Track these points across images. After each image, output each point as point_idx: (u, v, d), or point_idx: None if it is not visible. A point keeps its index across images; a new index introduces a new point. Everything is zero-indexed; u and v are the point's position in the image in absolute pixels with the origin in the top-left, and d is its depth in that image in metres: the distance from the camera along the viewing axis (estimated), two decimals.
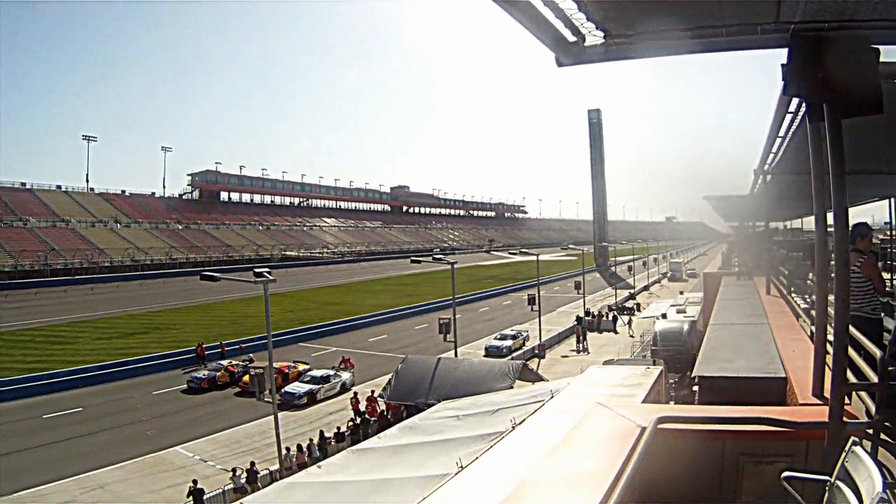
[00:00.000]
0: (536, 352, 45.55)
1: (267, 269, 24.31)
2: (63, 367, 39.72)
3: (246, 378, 36.65)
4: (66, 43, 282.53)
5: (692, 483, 4.99)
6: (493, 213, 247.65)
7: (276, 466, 23.23)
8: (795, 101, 11.21)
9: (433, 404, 18.69)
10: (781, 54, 5.12)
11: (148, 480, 24.28)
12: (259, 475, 23.21)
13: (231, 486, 22.44)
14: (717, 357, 10.67)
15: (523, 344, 48.49)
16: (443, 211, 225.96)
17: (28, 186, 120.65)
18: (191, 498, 21.40)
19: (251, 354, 42.40)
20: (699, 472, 5.02)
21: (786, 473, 4.11)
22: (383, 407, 30.73)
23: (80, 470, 24.72)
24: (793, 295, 15.53)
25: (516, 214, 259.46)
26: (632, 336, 53.30)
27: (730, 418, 5.10)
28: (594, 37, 6.01)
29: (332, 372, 37.86)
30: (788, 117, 11.10)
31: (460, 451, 9.30)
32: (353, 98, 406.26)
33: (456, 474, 8.24)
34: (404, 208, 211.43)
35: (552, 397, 11.69)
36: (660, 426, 4.68)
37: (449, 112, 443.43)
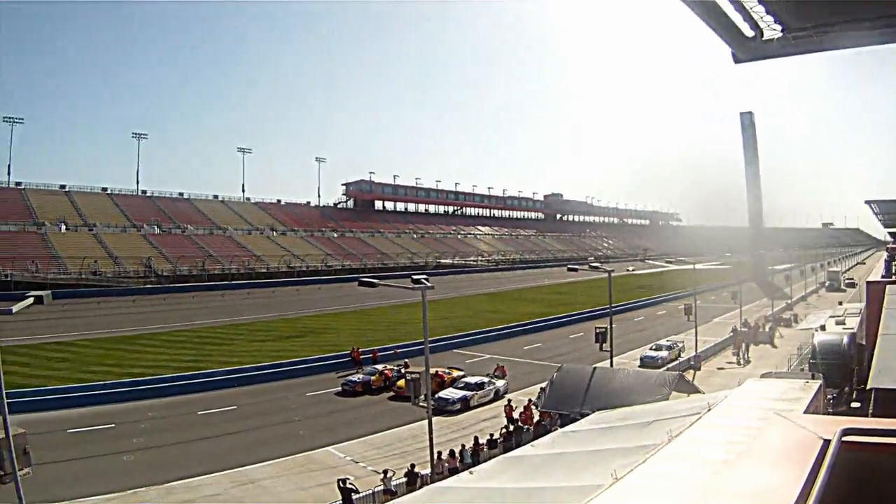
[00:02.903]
0: (692, 363, 44.92)
1: (425, 276, 24.43)
2: (219, 366, 41.98)
3: (401, 383, 37.11)
4: (222, 60, 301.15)
5: (875, 501, 4.51)
6: (646, 221, 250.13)
7: (428, 470, 23.10)
8: None
9: (587, 414, 18.64)
10: None
11: (298, 478, 24.78)
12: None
13: (381, 487, 22.45)
14: (893, 368, 10.07)
15: (679, 355, 48.14)
16: (596, 219, 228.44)
17: (186, 196, 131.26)
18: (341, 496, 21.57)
19: (406, 360, 42.81)
20: (882, 488, 4.57)
21: None
22: (537, 415, 30.40)
23: (231, 465, 25.61)
24: None
25: (670, 222, 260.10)
26: (775, 347, 52.44)
27: None
28: (773, 31, 5.69)
29: (486, 379, 37.99)
30: None
31: (614, 463, 8.74)
32: (505, 103, 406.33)
33: (610, 486, 7.65)
34: (558, 216, 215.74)
35: (709, 410, 11.34)
36: (844, 439, 4.25)
37: (600, 116, 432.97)
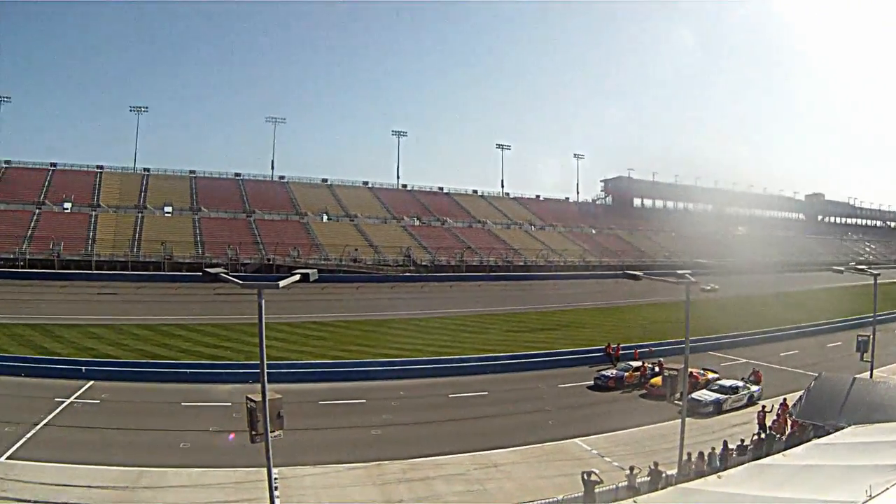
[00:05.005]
0: None
1: (689, 272, 23.76)
2: (473, 353, 43.18)
3: (655, 380, 36.79)
4: (480, 59, 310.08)
5: None
6: None
7: (674, 471, 22.28)
8: None
9: (844, 427, 18.94)
10: None
11: (542, 466, 24.68)
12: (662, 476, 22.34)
13: (625, 483, 21.83)
14: None
15: None
16: (859, 221, 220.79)
17: (445, 191, 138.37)
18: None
19: (661, 358, 41.56)
20: None
21: None
22: (790, 424, 28.76)
23: (476, 447, 26.10)
24: None
25: None
26: None
27: None
28: None
29: (741, 383, 36.52)
30: None
31: (869, 480, 9.21)
32: (764, 99, 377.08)
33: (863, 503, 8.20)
34: (819, 217, 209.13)
35: None
36: None
37: (861, 107, 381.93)
